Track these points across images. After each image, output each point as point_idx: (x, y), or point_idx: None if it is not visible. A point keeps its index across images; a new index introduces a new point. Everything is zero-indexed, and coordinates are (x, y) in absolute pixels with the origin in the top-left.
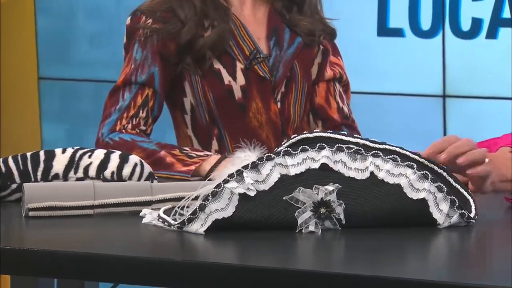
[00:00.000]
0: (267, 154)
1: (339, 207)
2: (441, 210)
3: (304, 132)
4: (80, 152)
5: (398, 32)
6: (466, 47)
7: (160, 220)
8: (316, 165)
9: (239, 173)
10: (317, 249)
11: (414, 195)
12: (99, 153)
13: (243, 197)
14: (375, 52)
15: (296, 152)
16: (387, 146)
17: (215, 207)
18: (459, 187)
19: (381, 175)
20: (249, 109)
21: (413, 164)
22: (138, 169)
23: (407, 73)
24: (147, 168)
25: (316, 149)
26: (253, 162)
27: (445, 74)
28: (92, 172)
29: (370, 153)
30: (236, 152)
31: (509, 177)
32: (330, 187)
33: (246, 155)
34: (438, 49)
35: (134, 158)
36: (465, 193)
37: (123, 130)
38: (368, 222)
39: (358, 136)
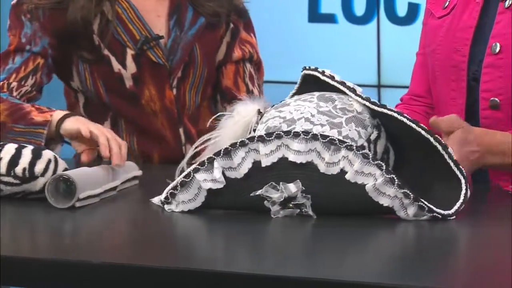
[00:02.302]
0: (240, 140)
1: (307, 201)
2: (408, 214)
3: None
4: None
5: (330, 18)
6: (402, 33)
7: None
8: (289, 154)
9: (210, 160)
10: (253, 251)
11: (380, 200)
12: (10, 148)
13: (212, 189)
14: (305, 39)
15: (270, 138)
16: (387, 112)
17: (182, 198)
18: (456, 170)
19: (348, 175)
20: (142, 97)
21: (383, 165)
22: (52, 165)
23: (340, 62)
24: (62, 164)
25: (291, 136)
26: (226, 148)
27: (380, 63)
28: (3, 168)
29: (344, 145)
30: (235, 106)
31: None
32: (293, 188)
33: (245, 109)
34: (373, 36)
35: (47, 154)
36: (461, 179)
37: (6, 90)
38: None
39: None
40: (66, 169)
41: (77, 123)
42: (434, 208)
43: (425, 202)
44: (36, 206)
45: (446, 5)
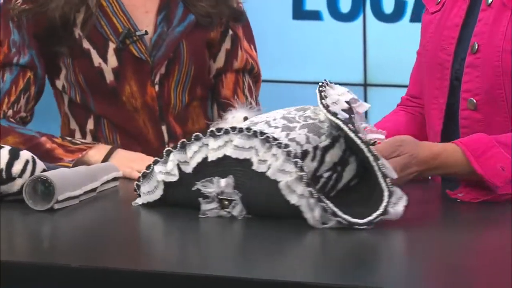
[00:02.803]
0: (195, 134)
1: (237, 197)
2: (314, 217)
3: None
4: None
5: (315, 15)
6: (389, 31)
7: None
8: (231, 150)
9: (168, 153)
10: (187, 250)
11: (291, 198)
12: None
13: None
14: (290, 37)
15: (219, 133)
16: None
17: (144, 190)
18: (382, 183)
19: (269, 172)
20: (122, 93)
21: (298, 162)
22: (29, 166)
23: (325, 60)
24: (40, 165)
25: (236, 131)
26: (182, 142)
27: (366, 61)
28: None
29: (275, 143)
30: (225, 115)
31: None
32: (222, 183)
33: (234, 116)
34: (359, 33)
35: (25, 154)
36: (385, 192)
37: (1, 117)
38: (266, 214)
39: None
40: (44, 170)
41: (121, 167)
42: (339, 213)
43: (330, 205)
44: (14, 208)
45: (439, 0)
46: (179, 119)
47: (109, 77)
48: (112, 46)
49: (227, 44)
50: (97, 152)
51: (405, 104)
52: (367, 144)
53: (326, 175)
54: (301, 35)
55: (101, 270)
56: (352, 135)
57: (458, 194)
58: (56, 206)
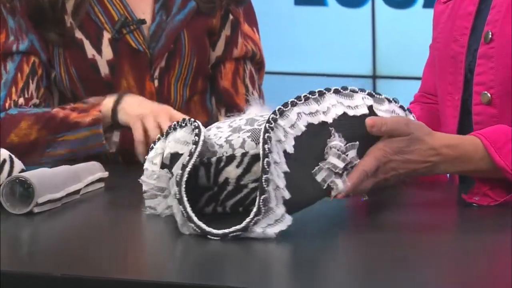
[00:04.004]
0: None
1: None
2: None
3: None
4: None
5: (319, 0)
6: (400, 18)
7: None
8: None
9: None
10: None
11: (169, 200)
12: None
13: None
14: (291, 25)
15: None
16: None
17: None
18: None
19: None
20: (118, 88)
21: (187, 166)
22: (7, 166)
23: (330, 50)
24: (18, 165)
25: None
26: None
27: (375, 51)
28: None
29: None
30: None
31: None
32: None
33: (249, 114)
34: (367, 20)
35: (2, 153)
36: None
37: (12, 106)
38: None
39: None
40: (23, 170)
41: (129, 118)
42: (194, 218)
43: (188, 209)
44: None
45: None
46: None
47: (104, 70)
48: (107, 36)
49: (227, 31)
50: (109, 101)
51: (420, 101)
52: (265, 152)
53: (251, 185)
54: (303, 22)
55: (85, 279)
56: (261, 137)
57: (474, 197)
58: (36, 210)
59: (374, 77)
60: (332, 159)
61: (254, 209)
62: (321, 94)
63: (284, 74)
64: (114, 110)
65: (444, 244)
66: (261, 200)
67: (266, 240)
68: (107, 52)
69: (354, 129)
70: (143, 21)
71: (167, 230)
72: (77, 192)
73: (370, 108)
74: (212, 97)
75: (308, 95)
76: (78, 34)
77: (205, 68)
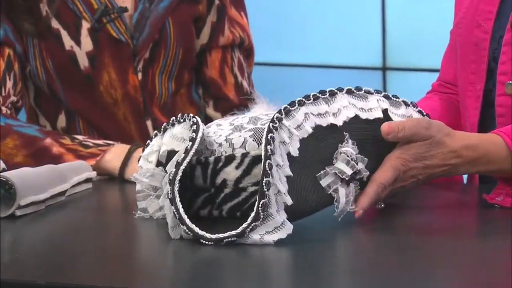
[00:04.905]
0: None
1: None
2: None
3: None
4: None
5: None
6: (412, 5)
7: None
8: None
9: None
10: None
11: (160, 200)
12: None
13: None
14: (296, 14)
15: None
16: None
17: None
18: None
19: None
20: (99, 82)
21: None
22: None
23: (338, 41)
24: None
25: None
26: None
27: (385, 41)
28: None
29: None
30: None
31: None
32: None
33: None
34: (377, 9)
35: None
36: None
37: None
38: None
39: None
40: (4, 170)
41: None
42: (186, 220)
43: (181, 210)
44: None
45: None
46: (166, 111)
47: (83, 62)
48: (86, 25)
49: (212, 17)
50: (115, 155)
51: (439, 91)
52: (266, 155)
53: (251, 189)
54: (309, 11)
55: (72, 287)
56: (264, 142)
57: (497, 198)
58: (18, 213)
59: (384, 69)
60: (340, 165)
61: (252, 214)
62: (332, 94)
63: (288, 65)
64: (122, 169)
65: (465, 248)
66: (260, 205)
67: (263, 245)
68: (86, 43)
69: (366, 134)
70: (125, 9)
71: (158, 235)
72: (62, 193)
73: (384, 111)
74: (198, 88)
75: (317, 94)
76: (55, 24)
77: (191, 59)
